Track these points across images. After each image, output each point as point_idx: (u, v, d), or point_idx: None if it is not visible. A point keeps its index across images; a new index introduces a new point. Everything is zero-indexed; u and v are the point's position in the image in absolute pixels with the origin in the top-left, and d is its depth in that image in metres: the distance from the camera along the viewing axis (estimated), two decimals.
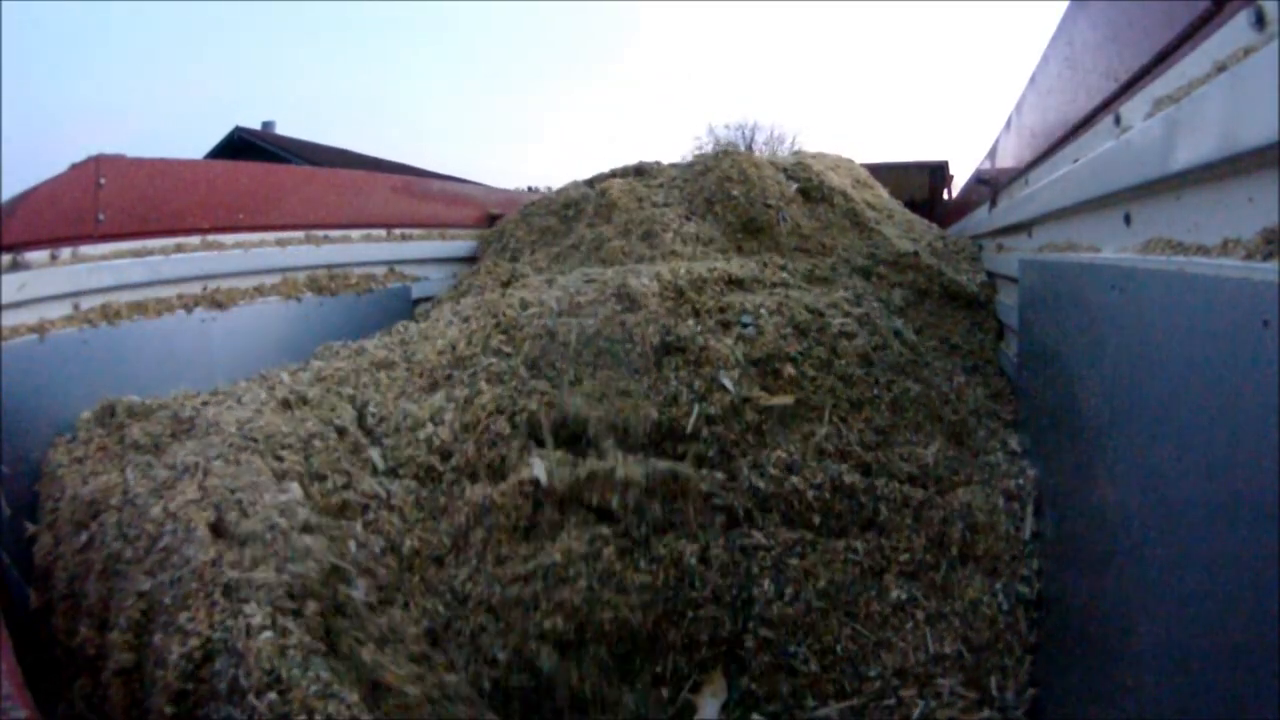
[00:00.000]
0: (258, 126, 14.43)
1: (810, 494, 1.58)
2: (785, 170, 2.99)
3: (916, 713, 1.30)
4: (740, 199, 2.75)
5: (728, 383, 1.74)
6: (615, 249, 2.65)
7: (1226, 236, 0.83)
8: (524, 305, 2.07)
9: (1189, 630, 0.79)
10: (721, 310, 1.99)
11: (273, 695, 1.17)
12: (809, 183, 2.95)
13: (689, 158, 3.31)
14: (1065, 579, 1.31)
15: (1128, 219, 1.18)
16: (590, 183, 3.20)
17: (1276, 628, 0.61)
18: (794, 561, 1.49)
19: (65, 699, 1.32)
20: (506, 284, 2.74)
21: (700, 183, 2.89)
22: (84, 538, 1.43)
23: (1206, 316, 0.78)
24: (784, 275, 2.30)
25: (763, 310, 1.97)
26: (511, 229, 3.11)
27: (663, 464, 1.60)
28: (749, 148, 24.42)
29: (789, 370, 1.81)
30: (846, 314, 2.03)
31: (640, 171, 3.21)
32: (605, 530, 1.51)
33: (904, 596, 1.44)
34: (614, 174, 3.24)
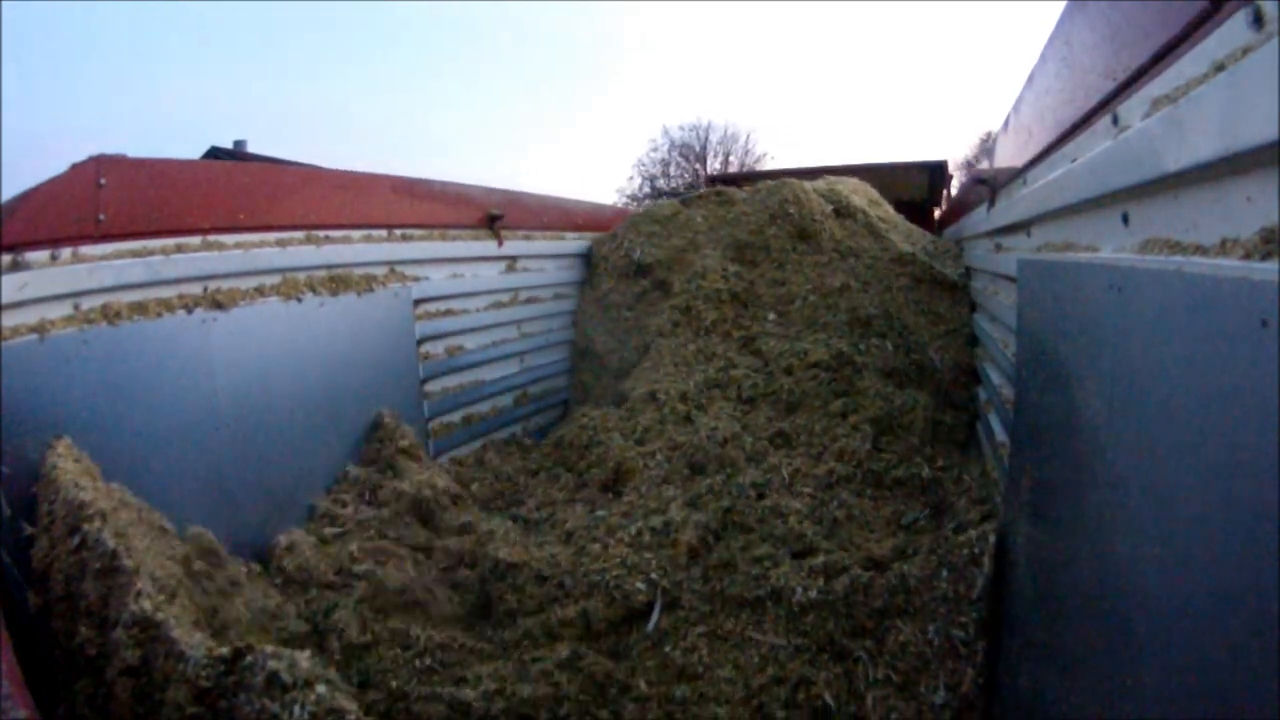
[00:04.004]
0: (229, 146, 14.75)
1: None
2: (823, 195, 4.03)
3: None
4: (795, 215, 3.74)
5: None
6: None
7: (1225, 236, 0.83)
8: None
9: (1185, 613, 0.79)
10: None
11: (321, 689, 1.17)
12: (839, 203, 3.99)
13: (645, 160, 4.23)
14: (1057, 575, 1.31)
15: (1126, 219, 1.18)
16: (684, 201, 4.22)
17: (1275, 625, 0.61)
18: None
19: (66, 700, 1.32)
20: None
21: (766, 204, 3.86)
22: (77, 539, 1.42)
23: (1205, 316, 0.78)
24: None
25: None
26: (624, 233, 4.01)
27: None
28: (703, 148, 24.89)
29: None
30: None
31: (718, 194, 4.22)
32: None
33: (851, 658, 1.64)
34: (700, 196, 4.24)
